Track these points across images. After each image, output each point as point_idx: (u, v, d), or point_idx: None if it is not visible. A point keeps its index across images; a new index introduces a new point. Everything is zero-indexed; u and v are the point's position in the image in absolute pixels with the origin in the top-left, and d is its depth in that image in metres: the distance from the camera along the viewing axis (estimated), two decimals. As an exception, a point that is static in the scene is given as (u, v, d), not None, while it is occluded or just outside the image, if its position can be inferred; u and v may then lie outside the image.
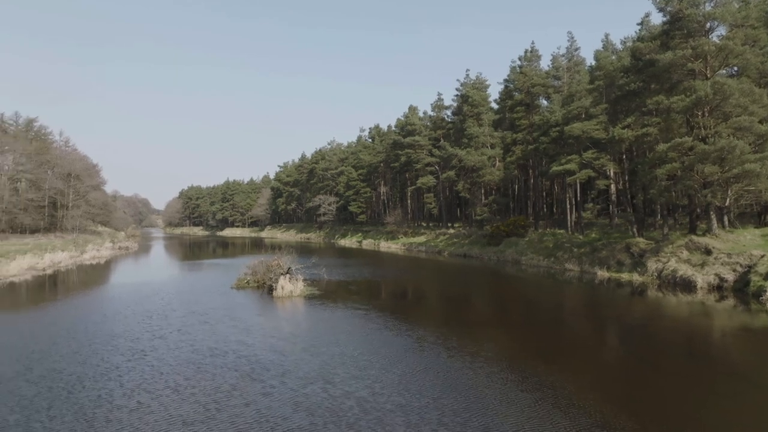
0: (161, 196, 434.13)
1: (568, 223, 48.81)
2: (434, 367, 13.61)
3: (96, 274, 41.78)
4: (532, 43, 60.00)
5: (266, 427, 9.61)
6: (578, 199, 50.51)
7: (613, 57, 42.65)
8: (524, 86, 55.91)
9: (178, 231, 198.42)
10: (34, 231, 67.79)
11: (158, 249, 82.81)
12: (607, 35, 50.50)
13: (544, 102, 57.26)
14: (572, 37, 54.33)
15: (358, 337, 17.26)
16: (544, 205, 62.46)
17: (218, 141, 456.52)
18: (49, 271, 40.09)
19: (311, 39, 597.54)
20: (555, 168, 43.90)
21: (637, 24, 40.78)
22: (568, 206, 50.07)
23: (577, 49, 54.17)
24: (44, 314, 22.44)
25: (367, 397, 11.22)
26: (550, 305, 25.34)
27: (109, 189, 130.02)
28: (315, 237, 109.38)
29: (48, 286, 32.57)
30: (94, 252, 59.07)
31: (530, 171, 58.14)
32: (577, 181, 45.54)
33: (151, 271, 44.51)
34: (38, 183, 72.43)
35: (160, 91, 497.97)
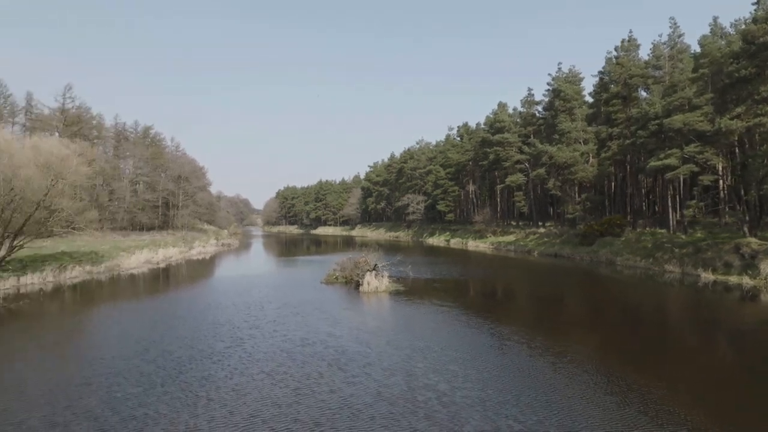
0: (260, 196, 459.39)
1: (670, 222, 45.68)
2: (516, 365, 13.62)
3: (202, 268, 45.41)
4: (630, 32, 56.39)
5: (348, 413, 10.23)
6: (681, 196, 47.02)
7: (722, 42, 39.29)
8: (621, 78, 52.94)
9: (275, 229, 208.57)
10: (150, 228, 74.69)
11: (257, 246, 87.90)
12: (715, 19, 46.56)
13: (644, 94, 53.89)
14: (675, 24, 50.65)
15: (441, 333, 17.55)
16: (643, 204, 58.78)
17: (312, 142, 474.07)
18: (162, 265, 44.22)
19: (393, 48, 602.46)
20: (653, 163, 41.25)
21: (753, 3, 37.29)
22: (670, 204, 46.84)
23: (680, 36, 50.40)
24: (158, 303, 24.97)
25: (447, 390, 11.51)
26: (647, 308, 24.04)
27: (213, 190, 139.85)
28: (403, 236, 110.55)
29: (161, 278, 35.98)
30: (200, 248, 64.07)
31: (628, 167, 55.01)
32: (681, 177, 42.49)
33: (250, 267, 47.59)
34: (153, 185, 79.75)
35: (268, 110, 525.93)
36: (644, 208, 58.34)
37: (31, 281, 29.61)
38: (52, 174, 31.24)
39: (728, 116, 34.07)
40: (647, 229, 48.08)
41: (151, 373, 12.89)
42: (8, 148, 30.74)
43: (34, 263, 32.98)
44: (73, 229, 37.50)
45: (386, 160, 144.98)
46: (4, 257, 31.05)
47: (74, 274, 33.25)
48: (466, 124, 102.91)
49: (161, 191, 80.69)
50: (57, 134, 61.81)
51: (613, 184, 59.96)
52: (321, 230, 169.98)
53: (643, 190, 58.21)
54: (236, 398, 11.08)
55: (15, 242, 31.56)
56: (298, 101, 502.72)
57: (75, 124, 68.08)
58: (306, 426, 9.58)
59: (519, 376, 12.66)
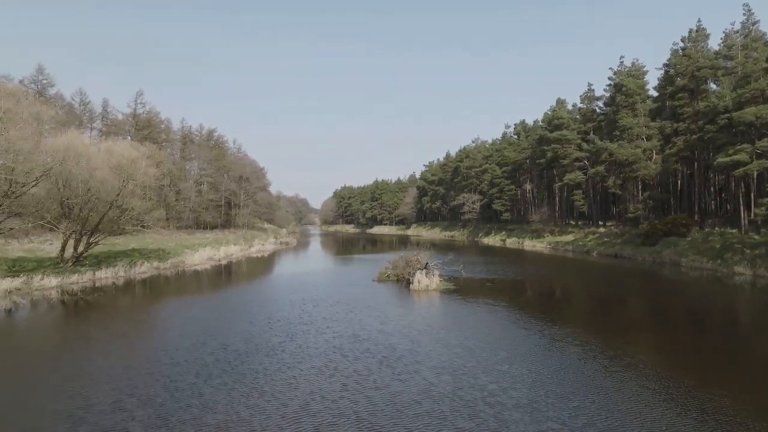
0: (318, 196, 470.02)
1: (741, 222, 43.04)
2: (568, 366, 13.38)
3: (260, 265, 46.97)
4: (698, 21, 53.49)
5: (393, 409, 10.42)
6: (755, 193, 44.18)
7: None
8: (688, 70, 50.37)
9: (332, 228, 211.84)
10: (213, 227, 77.92)
11: (314, 245, 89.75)
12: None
13: (713, 86, 51.03)
14: (749, 10, 47.67)
15: (492, 333, 17.41)
16: (713, 202, 55.64)
17: (368, 142, 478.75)
18: (223, 262, 46.14)
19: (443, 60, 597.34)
20: (721, 159, 39.01)
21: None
22: (741, 202, 44.12)
23: (755, 23, 47.36)
24: (219, 298, 26.16)
25: (494, 390, 11.48)
26: (712, 311, 22.87)
27: (273, 190, 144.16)
28: (459, 235, 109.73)
29: (223, 275, 37.57)
30: (260, 246, 66.21)
31: (695, 164, 52.27)
32: (754, 173, 39.97)
33: (306, 264, 48.78)
34: (216, 185, 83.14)
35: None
36: (714, 206, 55.29)
37: (105, 275, 31.71)
38: (123, 175, 33.38)
39: (807, 108, 31.85)
40: (716, 229, 45.57)
41: (210, 364, 13.60)
42: (86, 152, 33.10)
43: (108, 259, 35.31)
44: (143, 227, 39.89)
45: (442, 159, 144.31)
46: (81, 253, 33.45)
47: (143, 269, 35.32)
48: (523, 122, 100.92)
49: (224, 191, 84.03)
50: (129, 138, 65.67)
51: (679, 181, 57.17)
52: (377, 229, 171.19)
53: (712, 188, 55.17)
54: (287, 391, 11.52)
55: (91, 239, 33.94)
56: (355, 103, 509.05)
57: (145, 128, 72.12)
58: (349, 420, 9.86)
59: (570, 378, 12.45)
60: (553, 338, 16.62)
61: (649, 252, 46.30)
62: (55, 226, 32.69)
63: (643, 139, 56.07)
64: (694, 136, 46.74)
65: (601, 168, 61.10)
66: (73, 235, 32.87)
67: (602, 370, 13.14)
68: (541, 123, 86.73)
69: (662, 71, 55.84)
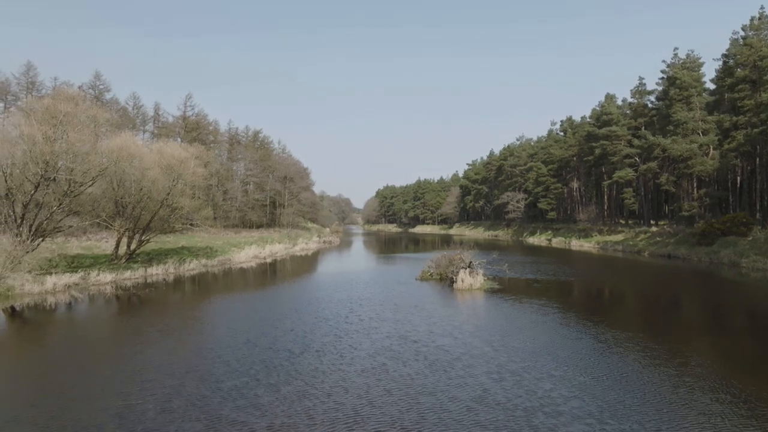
0: (361, 195, 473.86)
1: (811, 221, 40.45)
2: (629, 375, 12.63)
3: (304, 263, 47.45)
4: (761, 8, 50.52)
5: (448, 418, 9.96)
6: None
7: None
8: (749, 60, 47.71)
9: (374, 228, 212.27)
10: (258, 226, 79.40)
11: (357, 244, 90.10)
12: None
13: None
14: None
15: (543, 336, 16.76)
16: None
17: (411, 141, 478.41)
18: (268, 260, 46.88)
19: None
20: (789, 154, 36.72)
21: None
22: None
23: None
24: (265, 297, 26.44)
25: (554, 399, 10.91)
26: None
27: (317, 190, 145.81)
28: (503, 235, 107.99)
29: (268, 273, 38.10)
30: (303, 245, 67.03)
31: (757, 159, 49.46)
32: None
33: (350, 263, 48.97)
34: (262, 185, 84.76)
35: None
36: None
37: (156, 272, 32.66)
38: (173, 175, 34.36)
39: None
40: (781, 228, 42.99)
41: (258, 363, 13.55)
42: (138, 153, 34.24)
43: (159, 256, 36.42)
44: (192, 225, 40.98)
45: (485, 157, 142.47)
46: (134, 250, 34.63)
47: (192, 266, 36.25)
48: (570, 118, 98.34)
49: (269, 191, 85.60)
50: (179, 139, 67.76)
51: (738, 178, 54.28)
52: (419, 229, 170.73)
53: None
54: (337, 394, 11.28)
55: (143, 237, 35.09)
56: (401, 103, 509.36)
57: (194, 129, 74.25)
58: (396, 429, 9.49)
59: (633, 387, 11.72)
60: (610, 343, 15.80)
61: (706, 252, 44.11)
62: (110, 224, 33.97)
63: (698, 133, 53.50)
64: (756, 130, 44.18)
65: (653, 164, 58.74)
66: (127, 233, 34.07)
67: (668, 379, 12.32)
68: (588, 119, 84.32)
69: (720, 62, 53.15)
